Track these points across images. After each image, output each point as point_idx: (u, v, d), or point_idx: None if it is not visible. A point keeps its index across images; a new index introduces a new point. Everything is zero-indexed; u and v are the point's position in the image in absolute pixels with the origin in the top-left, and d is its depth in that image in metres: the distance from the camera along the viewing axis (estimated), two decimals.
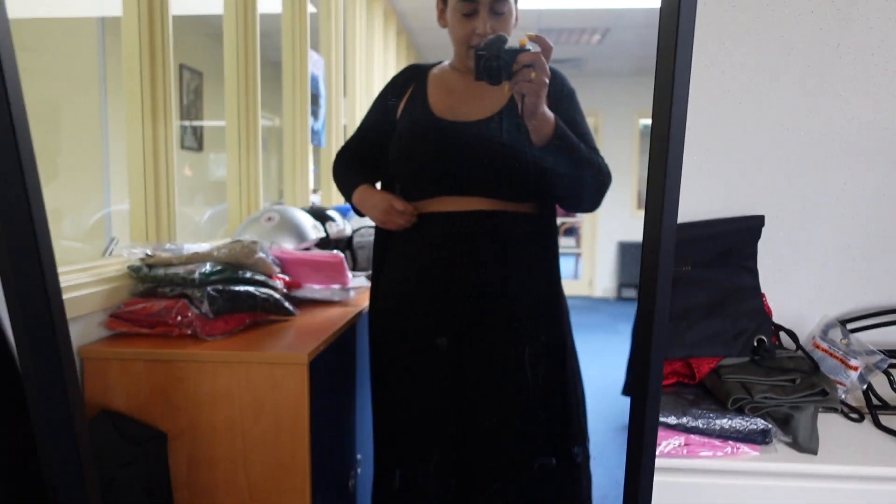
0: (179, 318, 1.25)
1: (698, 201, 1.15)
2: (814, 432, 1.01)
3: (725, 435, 1.01)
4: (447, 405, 1.36)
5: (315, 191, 2.86)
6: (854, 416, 1.13)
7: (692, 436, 1.01)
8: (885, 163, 1.21)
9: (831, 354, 1.13)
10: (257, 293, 1.36)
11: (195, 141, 4.02)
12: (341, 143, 1.55)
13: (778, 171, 1.23)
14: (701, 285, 1.13)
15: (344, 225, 2.07)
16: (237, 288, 1.33)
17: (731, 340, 1.09)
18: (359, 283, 1.69)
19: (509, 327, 1.34)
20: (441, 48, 1.39)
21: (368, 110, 1.46)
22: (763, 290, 1.18)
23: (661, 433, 0.99)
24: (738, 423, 1.01)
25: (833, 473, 0.99)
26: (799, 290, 1.24)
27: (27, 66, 0.67)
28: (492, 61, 1.16)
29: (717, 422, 1.01)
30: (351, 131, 1.55)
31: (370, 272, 1.58)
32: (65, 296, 0.74)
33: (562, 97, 1.30)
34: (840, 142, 1.22)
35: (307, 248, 1.84)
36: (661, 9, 0.65)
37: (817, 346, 1.15)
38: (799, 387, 1.03)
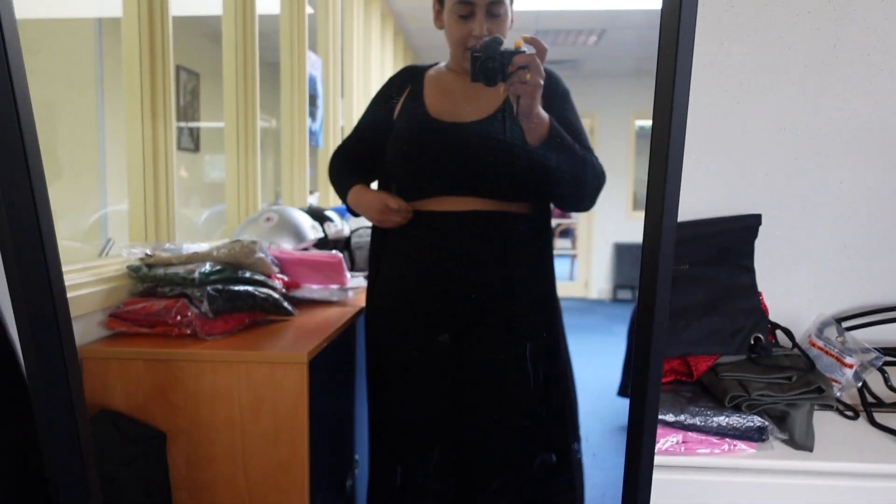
0: (179, 317, 1.25)
1: (696, 200, 1.16)
2: (810, 429, 1.02)
3: (722, 432, 1.02)
4: (442, 404, 1.38)
5: (312, 192, 2.86)
6: (849, 413, 1.14)
7: (690, 433, 1.02)
8: (882, 162, 1.22)
9: (827, 352, 1.14)
10: (256, 293, 1.36)
11: (192, 142, 4.01)
12: (339, 143, 1.55)
13: (775, 170, 1.24)
14: (699, 283, 1.14)
15: (342, 225, 2.07)
16: (237, 288, 1.33)
17: (729, 338, 1.10)
18: (357, 284, 1.69)
19: (505, 327, 1.35)
20: (438, 49, 1.40)
21: (365, 111, 1.47)
22: (760, 288, 1.19)
23: (658, 430, 1.00)
24: (736, 420, 1.02)
25: (829, 470, 1.00)
26: (795, 289, 1.25)
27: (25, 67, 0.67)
28: (488, 62, 1.17)
29: (715, 419, 1.02)
30: (348, 132, 1.56)
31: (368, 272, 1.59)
32: None
33: (556, 97, 1.31)
34: (837, 141, 1.23)
35: (305, 249, 1.84)
36: (662, 10, 0.66)
37: (813, 344, 1.16)
38: (795, 384, 1.04)
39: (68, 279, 1.23)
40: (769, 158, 1.24)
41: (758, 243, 1.21)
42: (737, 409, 1.04)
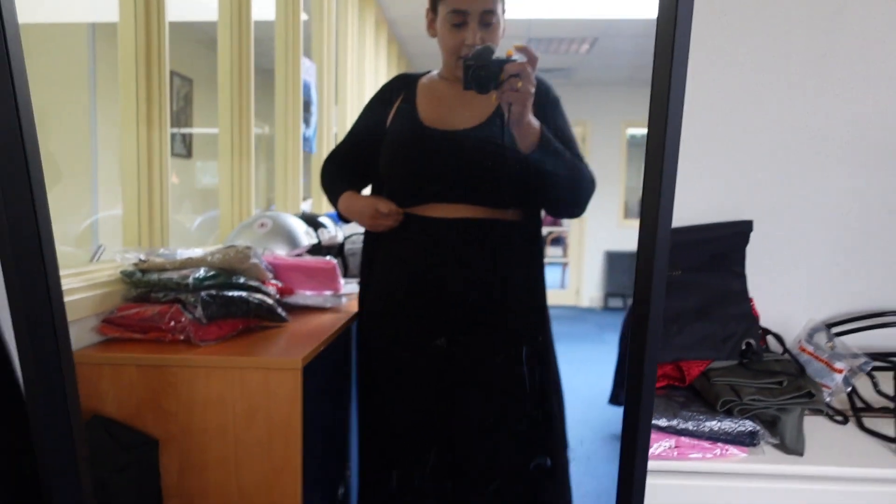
0: (173, 323, 1.25)
1: (688, 206, 1.17)
2: (800, 434, 1.03)
3: (715, 437, 1.03)
4: (431, 407, 1.38)
5: (306, 198, 2.86)
6: (839, 418, 1.16)
7: (682, 438, 1.03)
8: (871, 169, 1.25)
9: (817, 357, 1.15)
10: (251, 299, 1.36)
11: (184, 148, 4.01)
12: (332, 149, 1.57)
13: (766, 177, 1.26)
14: (691, 289, 1.16)
15: (336, 232, 2.08)
16: (231, 293, 1.33)
17: (721, 344, 1.11)
18: (351, 290, 1.70)
19: (495, 332, 1.36)
20: (432, 56, 1.41)
21: (358, 118, 1.48)
22: (751, 294, 1.20)
23: (652, 435, 1.01)
24: (728, 424, 1.03)
25: (819, 475, 1.01)
26: (786, 295, 1.26)
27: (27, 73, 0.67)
28: (480, 71, 1.18)
29: (707, 424, 1.03)
30: (342, 138, 1.57)
31: None
32: None
33: (547, 105, 1.33)
34: (827, 149, 1.25)
35: (299, 255, 1.84)
36: (658, 18, 0.67)
37: (803, 350, 1.18)
38: (786, 389, 1.05)
39: (61, 284, 1.23)
40: (760, 165, 1.26)
41: (749, 249, 1.22)
42: (728, 413, 1.05)
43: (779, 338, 1.21)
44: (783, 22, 1.22)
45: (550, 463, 1.42)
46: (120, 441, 1.14)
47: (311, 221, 2.03)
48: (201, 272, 1.31)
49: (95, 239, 2.41)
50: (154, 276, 1.32)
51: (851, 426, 1.14)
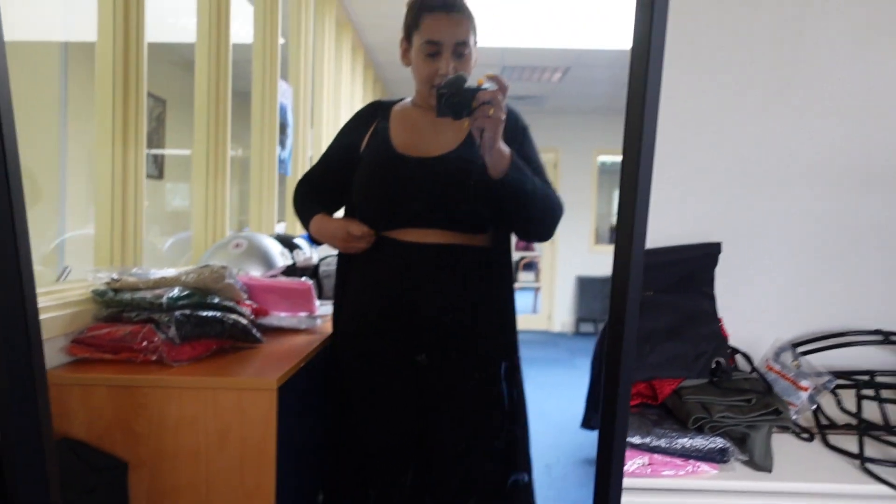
0: (145, 343, 1.23)
1: (659, 229, 1.21)
2: (769, 451, 1.06)
3: (687, 454, 1.05)
4: (403, 429, 1.39)
5: (280, 221, 2.85)
6: (805, 435, 1.19)
7: (656, 455, 1.04)
8: (834, 194, 1.30)
9: (783, 376, 1.18)
10: (225, 319, 1.35)
11: (156, 169, 3.97)
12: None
13: (734, 201, 1.31)
14: (662, 310, 1.18)
15: (311, 253, 2.07)
16: (205, 313, 1.32)
17: (692, 362, 1.14)
18: (326, 311, 1.69)
19: (466, 355, 1.38)
20: (407, 82, 1.44)
21: (332, 143, 1.51)
22: (720, 314, 1.23)
23: (626, 452, 1.02)
24: (699, 441, 1.05)
25: (787, 490, 1.03)
26: (753, 315, 1.30)
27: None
28: (453, 98, 1.21)
29: (679, 441, 1.05)
30: (316, 162, 1.58)
31: None
32: None
33: (516, 132, 1.37)
34: (792, 173, 1.30)
35: (274, 276, 1.83)
36: (633, 48, 0.71)
37: (770, 368, 1.21)
38: (754, 406, 1.08)
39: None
40: (728, 190, 1.31)
41: (718, 271, 1.26)
42: (700, 430, 1.07)
43: (747, 357, 1.25)
44: (749, 50, 1.28)
45: (517, 482, 1.43)
46: (88, 463, 1.11)
47: (287, 243, 2.03)
48: (175, 291, 1.30)
49: (61, 259, 2.37)
50: (127, 296, 1.30)
51: (817, 443, 1.17)
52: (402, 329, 1.36)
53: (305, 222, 1.48)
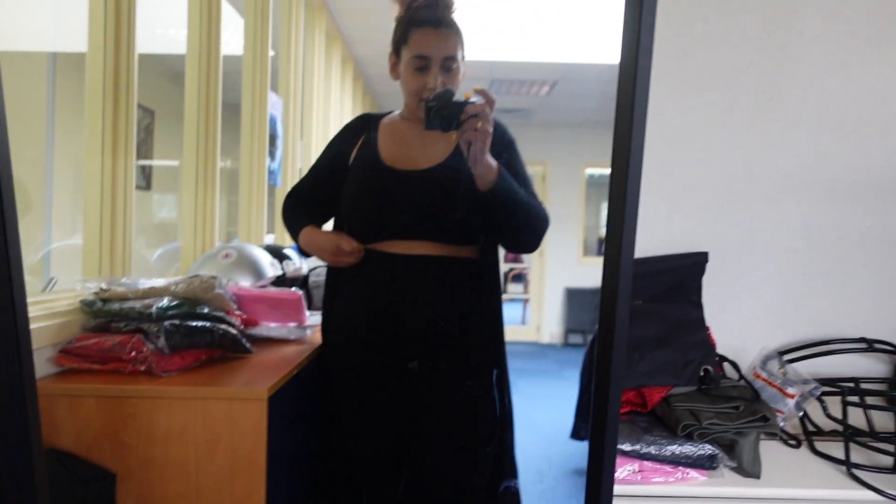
0: (134, 353, 1.22)
1: (648, 239, 1.22)
2: (756, 457, 1.07)
3: (676, 461, 1.06)
4: (391, 440, 1.39)
5: (269, 233, 2.85)
6: (792, 442, 1.20)
7: (645, 462, 1.05)
8: (818, 204, 1.33)
9: (770, 383, 1.20)
10: (215, 329, 1.34)
11: (143, 180, 3.95)
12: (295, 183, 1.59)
13: (721, 212, 1.33)
14: (651, 318, 1.20)
15: (300, 263, 2.07)
16: (195, 323, 1.31)
17: (681, 370, 1.15)
18: (315, 322, 1.69)
19: (455, 366, 1.38)
20: (397, 94, 1.46)
21: (321, 155, 1.52)
22: (708, 322, 1.25)
23: (617, 459, 1.03)
24: (688, 448, 1.06)
25: (775, 496, 1.05)
26: (740, 323, 1.32)
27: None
28: (442, 111, 1.23)
29: (669, 448, 1.06)
30: (305, 174, 1.59)
31: None
32: None
33: (503, 145, 1.39)
34: (777, 185, 1.33)
35: (263, 286, 1.83)
36: (621, 64, 0.72)
37: (757, 376, 1.23)
38: (742, 413, 1.10)
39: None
40: (715, 200, 1.33)
41: (706, 280, 1.28)
42: (689, 437, 1.08)
43: (734, 364, 1.26)
44: (734, 68, 1.31)
45: (506, 490, 1.43)
46: (76, 474, 1.10)
47: (276, 253, 2.03)
48: (165, 301, 1.29)
49: (47, 269, 2.35)
50: (115, 306, 1.29)
51: (804, 449, 1.19)
52: (389, 341, 1.37)
53: (294, 234, 1.48)
